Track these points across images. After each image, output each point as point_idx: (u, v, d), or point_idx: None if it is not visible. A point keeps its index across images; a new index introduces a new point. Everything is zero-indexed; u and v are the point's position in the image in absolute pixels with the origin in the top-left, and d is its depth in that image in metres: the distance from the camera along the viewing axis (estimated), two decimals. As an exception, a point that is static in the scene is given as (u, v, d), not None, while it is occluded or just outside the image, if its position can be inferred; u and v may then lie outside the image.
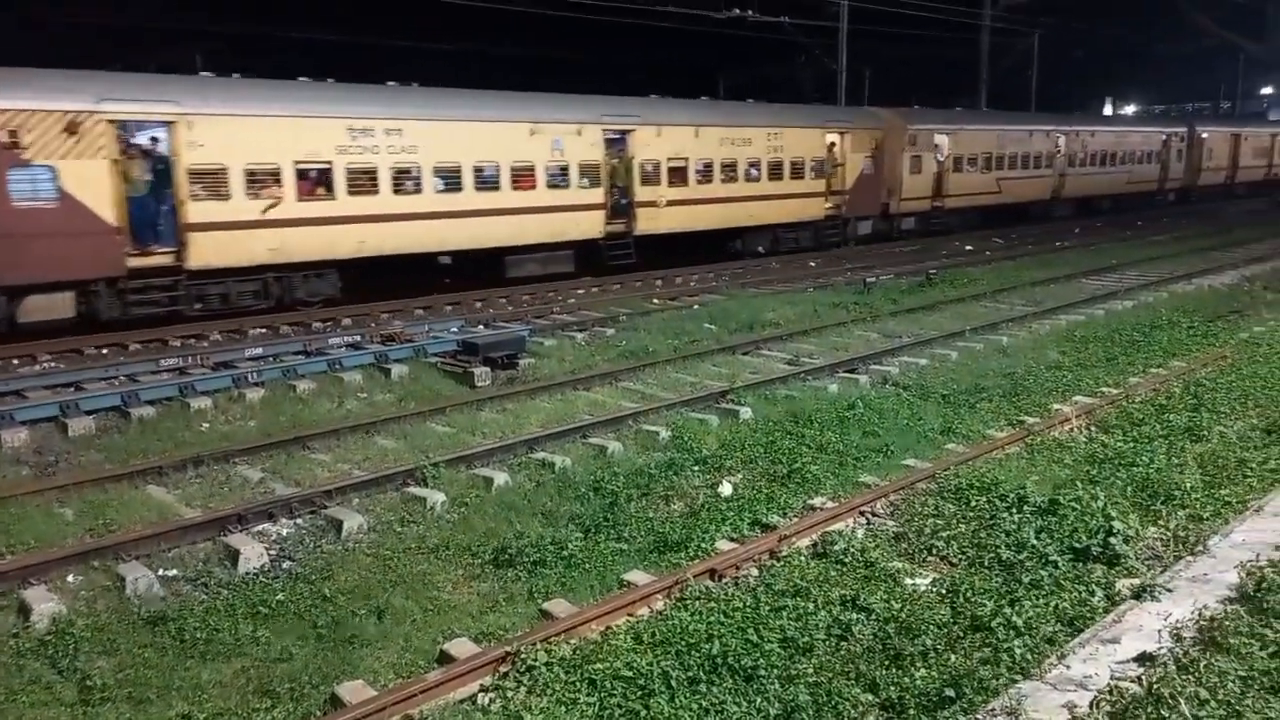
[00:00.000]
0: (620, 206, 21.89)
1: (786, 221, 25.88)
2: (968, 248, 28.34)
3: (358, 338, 14.89)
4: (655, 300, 19.39)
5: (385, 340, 14.49)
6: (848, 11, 34.99)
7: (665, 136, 22.35)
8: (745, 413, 11.10)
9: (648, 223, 22.25)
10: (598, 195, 21.19)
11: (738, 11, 30.35)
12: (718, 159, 23.54)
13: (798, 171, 25.73)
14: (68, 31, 28.77)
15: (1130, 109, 72.56)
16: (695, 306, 18.50)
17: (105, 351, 14.47)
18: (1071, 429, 10.12)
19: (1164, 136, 41.16)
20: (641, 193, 22.06)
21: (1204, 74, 65.68)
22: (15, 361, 13.60)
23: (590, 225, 21.21)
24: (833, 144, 26.96)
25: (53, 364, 13.55)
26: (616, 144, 21.85)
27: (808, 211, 26.41)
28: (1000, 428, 10.48)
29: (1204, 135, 43.58)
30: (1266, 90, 77.50)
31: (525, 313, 17.92)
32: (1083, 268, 23.10)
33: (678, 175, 22.76)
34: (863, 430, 10.35)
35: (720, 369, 13.40)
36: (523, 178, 19.82)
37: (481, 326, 16.28)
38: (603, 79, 26.13)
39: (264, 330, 16.25)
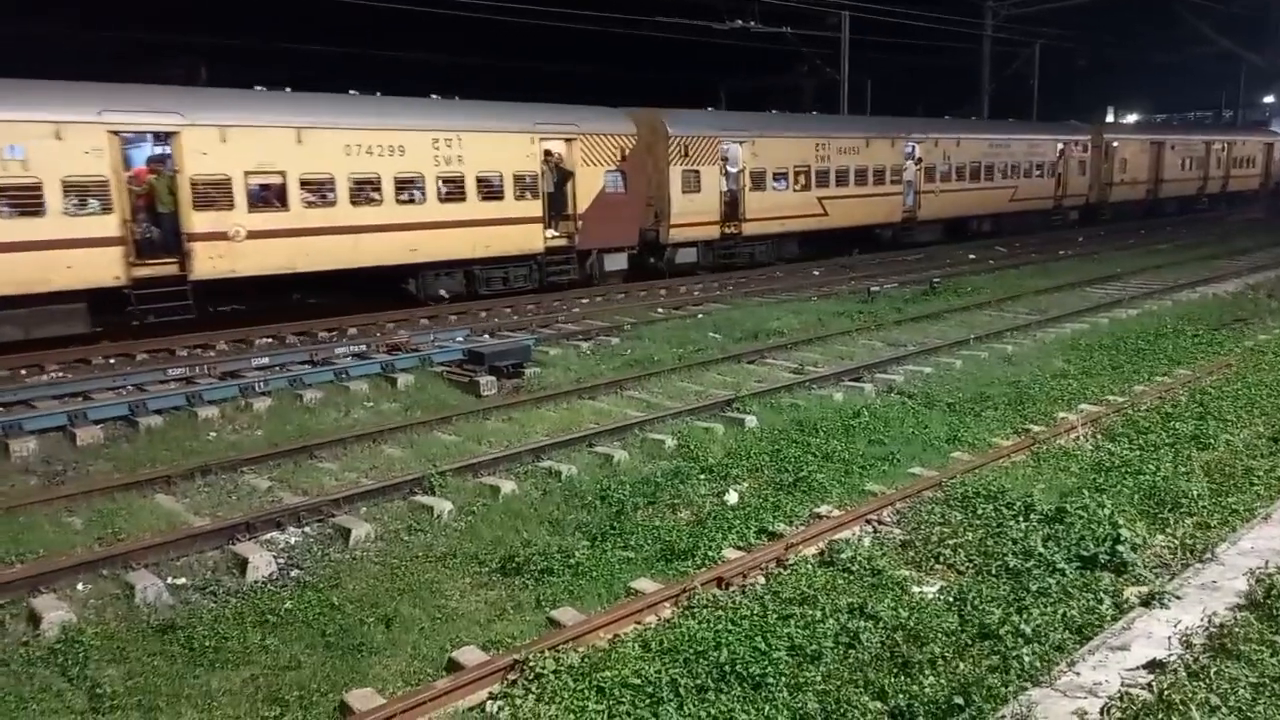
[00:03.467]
0: (161, 240, 16.10)
1: (486, 256, 19.70)
2: (971, 256, 28.39)
3: (363, 347, 14.96)
4: (660, 309, 19.42)
5: (391, 350, 14.53)
6: (849, 22, 35.21)
7: (239, 142, 16.14)
8: (751, 421, 11.11)
9: (214, 263, 16.06)
10: (109, 224, 15.01)
11: (740, 23, 30.49)
12: (343, 174, 17.32)
13: (492, 191, 19.46)
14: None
15: (1133, 118, 72.74)
16: (700, 315, 18.55)
17: (113, 361, 14.52)
18: (1077, 437, 10.12)
19: (1060, 145, 35.63)
20: (199, 221, 15.88)
21: (1206, 83, 65.86)
22: (23, 371, 13.65)
23: (99, 268, 14.97)
24: (551, 154, 21.00)
25: (61, 374, 13.59)
26: (155, 153, 16.67)
27: (520, 243, 20.12)
28: (1006, 436, 10.48)
29: (1115, 144, 38.37)
30: (1268, 99, 77.74)
31: (530, 322, 17.95)
32: (1086, 276, 23.12)
33: (268, 196, 16.78)
34: (868, 438, 10.36)
35: (725, 377, 13.42)
36: None
37: (487, 335, 16.35)
38: (603, 92, 25.95)
39: (270, 340, 16.29)
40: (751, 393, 12.09)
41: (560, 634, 6.03)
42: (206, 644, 6.28)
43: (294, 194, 16.97)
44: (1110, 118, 70.51)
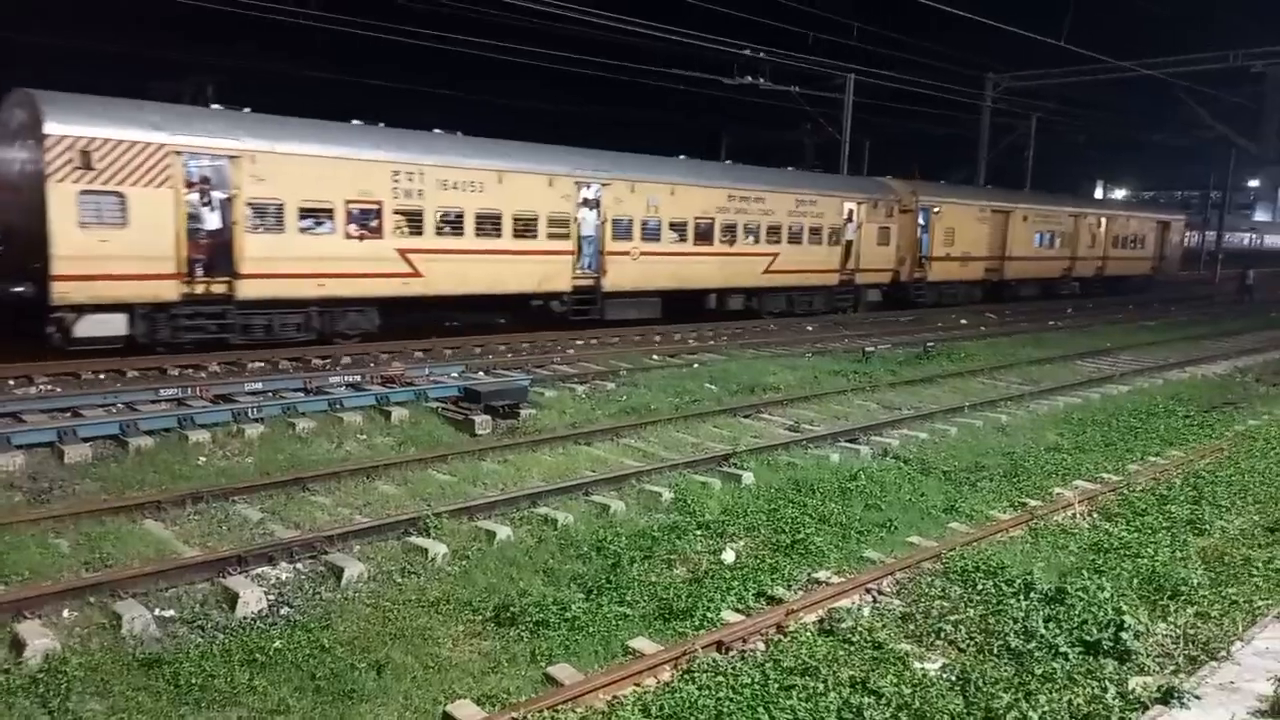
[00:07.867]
0: None
1: None
2: (963, 321, 28.64)
3: (358, 378, 14.83)
4: (655, 356, 19.40)
5: (386, 382, 14.42)
6: (853, 84, 35.87)
7: None
8: (748, 478, 11.06)
9: None
10: None
11: (749, 79, 30.94)
12: None
13: None
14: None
15: (1121, 193, 74.21)
16: (695, 365, 18.53)
17: (103, 377, 14.33)
18: (1074, 514, 10.11)
19: (849, 207, 28.01)
20: None
21: (1197, 162, 67.23)
22: (11, 383, 13.45)
23: None
24: None
25: (50, 387, 13.39)
26: None
27: None
28: (1003, 509, 10.46)
29: (936, 210, 30.71)
30: (1253, 183, 79.58)
31: (525, 362, 17.89)
32: (1077, 349, 23.32)
33: None
34: (865, 503, 10.32)
35: (722, 431, 13.38)
36: None
37: (482, 373, 16.26)
38: (606, 134, 25.74)
39: (263, 364, 16.14)
40: (748, 448, 12.04)
41: (559, 693, 5.91)
42: (193, 681, 6.11)
43: None
44: (1100, 192, 71.88)
